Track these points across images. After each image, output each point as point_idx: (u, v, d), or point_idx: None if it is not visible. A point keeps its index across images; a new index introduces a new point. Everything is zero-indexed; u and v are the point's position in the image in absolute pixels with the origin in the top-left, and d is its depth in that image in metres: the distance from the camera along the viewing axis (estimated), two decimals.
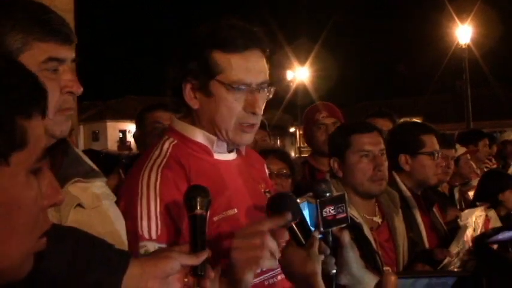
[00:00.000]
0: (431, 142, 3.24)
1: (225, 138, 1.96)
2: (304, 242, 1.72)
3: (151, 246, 1.80)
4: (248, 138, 2.00)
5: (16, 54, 1.45)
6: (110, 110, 54.15)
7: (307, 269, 1.69)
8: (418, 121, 3.50)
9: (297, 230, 1.73)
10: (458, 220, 3.44)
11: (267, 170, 2.33)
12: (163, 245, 1.79)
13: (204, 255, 1.38)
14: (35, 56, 1.47)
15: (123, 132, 56.36)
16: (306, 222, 1.76)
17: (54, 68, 1.51)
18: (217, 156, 1.99)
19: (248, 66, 1.92)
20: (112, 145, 50.29)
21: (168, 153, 1.94)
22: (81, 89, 1.58)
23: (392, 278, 1.59)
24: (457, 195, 4.80)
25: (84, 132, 49.40)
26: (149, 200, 1.84)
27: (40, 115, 0.97)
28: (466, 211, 3.74)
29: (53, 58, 1.50)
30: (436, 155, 3.23)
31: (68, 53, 1.55)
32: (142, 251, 1.79)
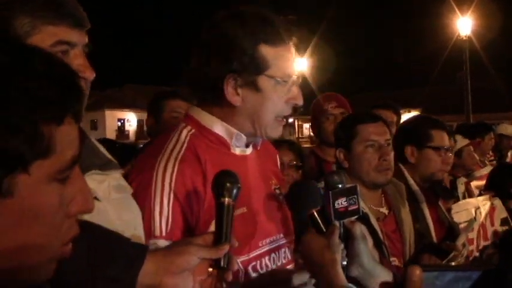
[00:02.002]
0: (441, 138, 3.22)
1: (262, 133, 1.95)
2: (324, 230, 1.71)
3: (161, 245, 1.75)
4: (280, 130, 2.01)
5: (24, 38, 1.41)
6: (108, 99, 54.13)
7: (327, 258, 1.69)
8: (430, 116, 3.46)
9: (317, 217, 1.73)
10: (452, 212, 3.44)
11: (279, 161, 2.31)
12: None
13: (225, 248, 1.33)
14: (43, 39, 1.42)
15: (122, 121, 56.44)
16: (327, 210, 1.75)
17: (64, 51, 1.46)
18: (234, 150, 1.96)
19: (290, 59, 1.92)
20: (110, 134, 50.30)
21: (186, 144, 1.90)
22: (94, 74, 1.53)
23: (417, 271, 1.58)
24: (462, 187, 4.78)
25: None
26: (163, 195, 1.80)
27: (73, 119, 0.90)
28: (459, 203, 3.73)
29: (62, 41, 1.46)
30: (443, 151, 3.19)
31: (80, 38, 1.50)
32: (152, 247, 1.76)
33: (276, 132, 1.98)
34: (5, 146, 0.81)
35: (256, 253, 1.92)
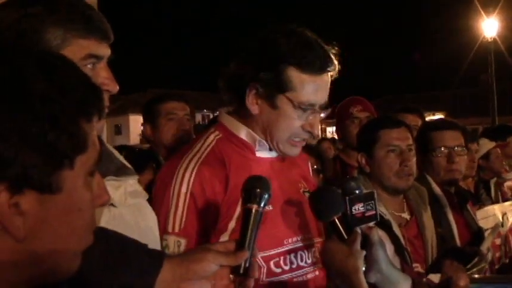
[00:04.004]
0: (440, 138, 3.16)
1: (274, 147, 1.97)
2: (346, 237, 1.71)
3: (171, 241, 1.82)
4: (296, 151, 2.01)
5: (56, 51, 1.41)
6: (132, 104, 54.49)
7: (349, 265, 1.68)
8: (438, 118, 3.40)
9: (339, 225, 1.72)
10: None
11: (310, 166, 2.32)
12: (185, 240, 1.81)
13: (244, 255, 1.31)
14: (74, 52, 1.44)
15: None
16: (348, 217, 1.74)
17: (93, 65, 1.49)
18: (259, 154, 2.00)
19: (318, 88, 1.92)
20: (134, 138, 50.62)
21: (210, 148, 1.95)
22: (117, 87, 1.55)
23: (462, 283, 1.55)
24: (492, 189, 4.70)
25: (107, 126, 49.84)
26: (180, 193, 1.85)
27: (98, 117, 0.95)
28: (484, 208, 3.66)
29: (92, 55, 1.48)
30: (439, 150, 3.13)
31: (106, 51, 1.53)
32: (163, 244, 1.81)
33: (290, 151, 1.99)
34: (55, 143, 0.85)
35: (280, 250, 1.94)
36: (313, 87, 1.90)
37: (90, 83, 0.95)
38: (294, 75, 1.88)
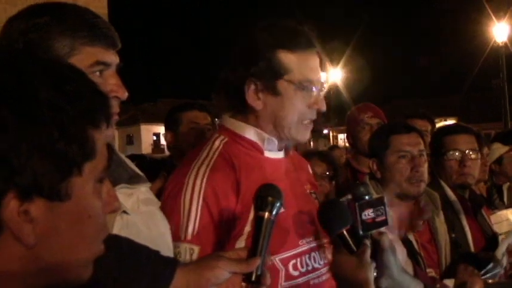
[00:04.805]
0: (453, 142, 3.16)
1: (286, 136, 1.98)
2: (355, 250, 1.70)
3: (184, 249, 1.80)
4: (307, 134, 2.02)
5: (64, 59, 1.43)
6: (143, 114, 54.74)
7: (360, 277, 1.68)
8: (450, 122, 3.39)
9: (348, 238, 1.72)
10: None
11: (311, 172, 2.32)
12: (198, 247, 1.79)
13: (256, 263, 1.32)
14: (82, 60, 1.46)
15: (157, 135, 56.91)
16: (357, 229, 1.74)
17: (100, 72, 1.50)
18: (267, 154, 2.00)
19: (311, 65, 1.95)
20: (146, 148, 50.81)
21: (218, 152, 1.94)
22: (127, 94, 1.57)
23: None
24: (506, 194, 4.66)
25: (119, 136, 50.05)
26: (192, 200, 1.84)
27: (106, 124, 0.96)
28: (498, 213, 3.63)
29: (100, 62, 1.50)
30: (451, 153, 3.12)
31: (114, 58, 1.54)
32: (175, 251, 1.80)
33: (303, 135, 2.00)
34: (64, 150, 0.86)
35: (296, 251, 1.93)
36: (307, 64, 1.94)
37: (98, 90, 0.95)
38: (285, 57, 1.91)
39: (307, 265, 1.96)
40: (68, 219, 0.89)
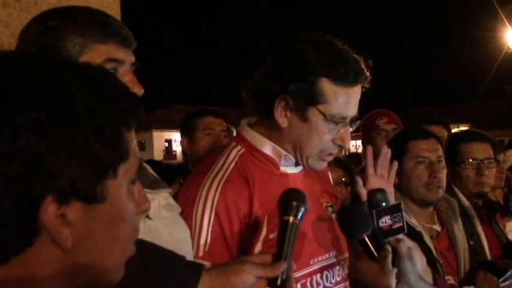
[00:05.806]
0: (470, 150, 3.14)
1: (303, 162, 1.92)
2: (376, 255, 1.69)
3: None
4: (324, 165, 1.96)
5: (76, 58, 1.44)
6: (155, 120, 54.95)
7: (381, 284, 1.67)
8: (465, 129, 3.37)
9: (369, 243, 1.70)
10: (507, 230, 3.32)
11: (330, 177, 2.28)
12: (209, 263, 1.70)
13: (281, 267, 1.32)
14: (93, 58, 1.45)
15: (169, 141, 57.11)
16: (378, 234, 1.73)
17: (114, 69, 1.49)
18: (283, 169, 1.94)
19: (350, 101, 1.85)
20: (158, 154, 50.94)
21: (234, 164, 1.88)
22: (142, 90, 1.55)
23: None
24: None
25: None
26: (203, 215, 1.79)
27: (136, 126, 0.97)
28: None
29: (112, 59, 1.49)
30: (468, 162, 3.11)
31: (127, 55, 1.53)
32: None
33: (319, 165, 1.94)
34: (100, 153, 0.86)
35: (307, 271, 1.89)
36: (346, 100, 1.83)
37: (129, 92, 0.96)
38: (327, 87, 1.80)
39: (317, 284, 1.91)
40: (104, 221, 0.90)
